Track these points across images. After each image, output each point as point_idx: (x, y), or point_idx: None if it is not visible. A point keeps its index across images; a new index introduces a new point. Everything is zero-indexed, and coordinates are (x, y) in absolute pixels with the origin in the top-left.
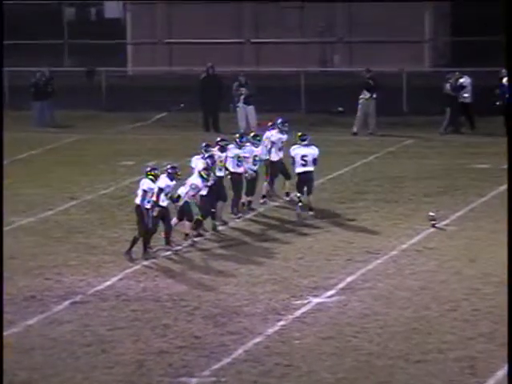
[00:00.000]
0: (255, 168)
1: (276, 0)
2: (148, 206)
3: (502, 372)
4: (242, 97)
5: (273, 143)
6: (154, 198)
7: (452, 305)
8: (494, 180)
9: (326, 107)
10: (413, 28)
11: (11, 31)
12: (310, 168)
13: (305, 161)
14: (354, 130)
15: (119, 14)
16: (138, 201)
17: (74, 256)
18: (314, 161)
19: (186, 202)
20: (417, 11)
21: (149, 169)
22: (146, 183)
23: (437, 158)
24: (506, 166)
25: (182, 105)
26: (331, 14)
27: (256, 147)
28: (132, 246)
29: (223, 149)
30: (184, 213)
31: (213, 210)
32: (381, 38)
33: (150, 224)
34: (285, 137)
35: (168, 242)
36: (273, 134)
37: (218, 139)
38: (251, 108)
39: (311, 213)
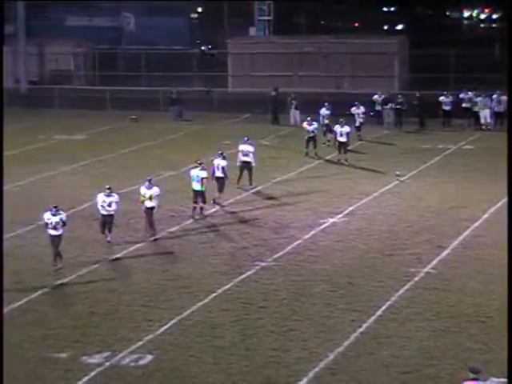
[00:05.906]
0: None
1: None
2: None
3: (439, 258)
4: (293, 105)
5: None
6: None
7: (408, 224)
8: (434, 153)
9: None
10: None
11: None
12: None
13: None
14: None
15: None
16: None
17: None
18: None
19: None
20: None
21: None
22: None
23: (400, 142)
24: (441, 146)
25: (258, 110)
26: (342, 61)
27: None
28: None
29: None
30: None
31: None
32: (371, 74)
33: None
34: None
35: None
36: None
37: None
38: (298, 112)
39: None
